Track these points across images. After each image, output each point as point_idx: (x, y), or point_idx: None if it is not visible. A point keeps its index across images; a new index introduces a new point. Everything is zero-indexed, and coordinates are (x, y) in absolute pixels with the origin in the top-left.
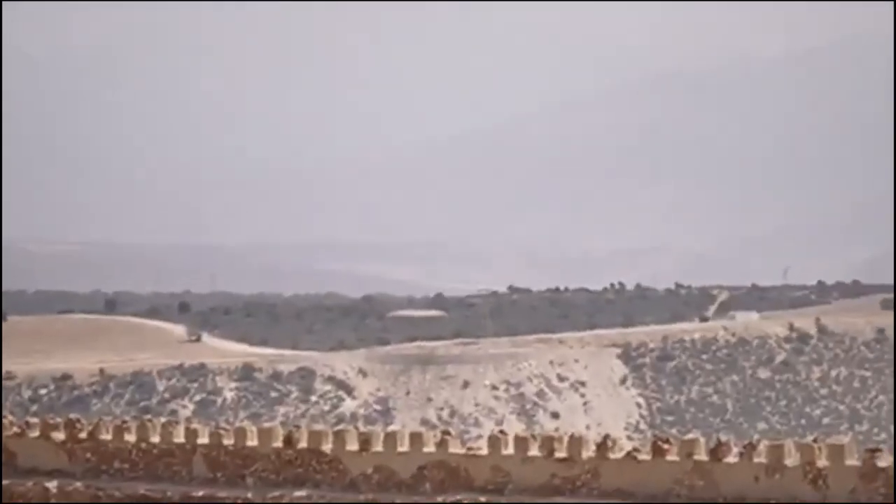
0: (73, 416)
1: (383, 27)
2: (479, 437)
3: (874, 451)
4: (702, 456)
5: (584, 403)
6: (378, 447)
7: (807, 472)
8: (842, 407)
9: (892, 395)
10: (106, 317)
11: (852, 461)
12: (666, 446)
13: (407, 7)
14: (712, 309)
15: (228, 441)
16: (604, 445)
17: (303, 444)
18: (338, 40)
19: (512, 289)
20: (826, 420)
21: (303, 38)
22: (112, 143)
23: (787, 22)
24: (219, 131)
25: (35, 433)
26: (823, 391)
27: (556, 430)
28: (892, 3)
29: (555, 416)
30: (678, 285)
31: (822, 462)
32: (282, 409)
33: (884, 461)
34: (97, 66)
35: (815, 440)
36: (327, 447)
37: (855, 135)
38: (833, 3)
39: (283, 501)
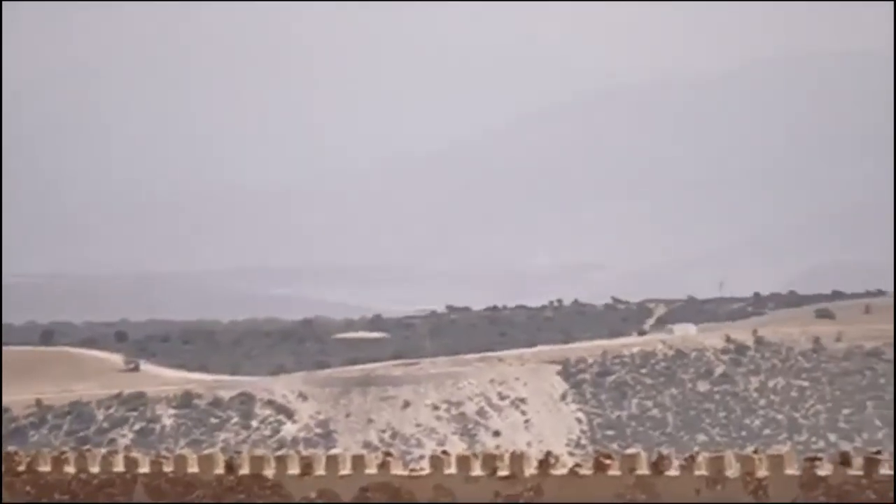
0: (10, 448)
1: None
2: (422, 457)
3: (814, 459)
4: (643, 470)
5: (526, 421)
6: (320, 471)
7: (747, 483)
8: (780, 417)
9: (828, 405)
10: (42, 348)
11: (792, 471)
12: (608, 461)
13: (335, 39)
14: (650, 323)
15: (169, 469)
16: (546, 462)
17: (244, 470)
18: (280, 63)
19: (450, 308)
20: (766, 431)
21: (245, 60)
22: (42, 172)
23: (725, 36)
24: (154, 158)
25: None
26: (762, 402)
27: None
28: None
29: (496, 434)
30: (616, 300)
31: (762, 472)
32: (222, 436)
33: (824, 469)
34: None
35: (755, 451)
36: (269, 472)
37: (791, 147)
38: (777, 14)
39: None
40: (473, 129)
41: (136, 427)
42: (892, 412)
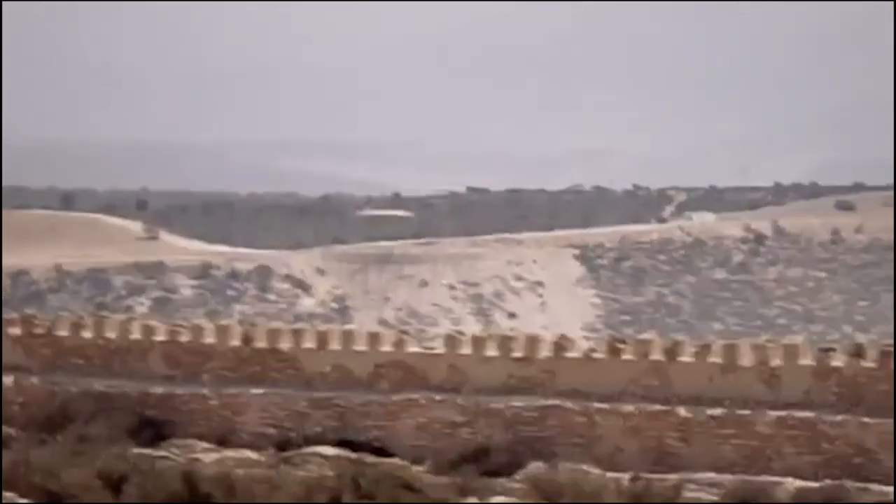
0: (29, 311)
1: None
2: (437, 336)
3: (827, 350)
4: (657, 356)
5: (542, 304)
6: (335, 346)
7: (761, 372)
8: (796, 307)
9: (845, 296)
10: (62, 213)
11: (806, 361)
12: (622, 346)
13: None
14: (669, 210)
15: (185, 338)
16: (560, 345)
17: (260, 343)
18: None
19: (470, 189)
20: (781, 320)
21: None
22: (65, 36)
23: None
24: (175, 28)
25: None
26: (779, 292)
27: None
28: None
29: (512, 316)
30: (636, 187)
31: (776, 362)
32: (239, 308)
33: (837, 360)
34: None
35: (769, 340)
36: (284, 345)
37: (814, 40)
38: None
39: (240, 399)
40: (486, 11)
41: (154, 295)
42: None
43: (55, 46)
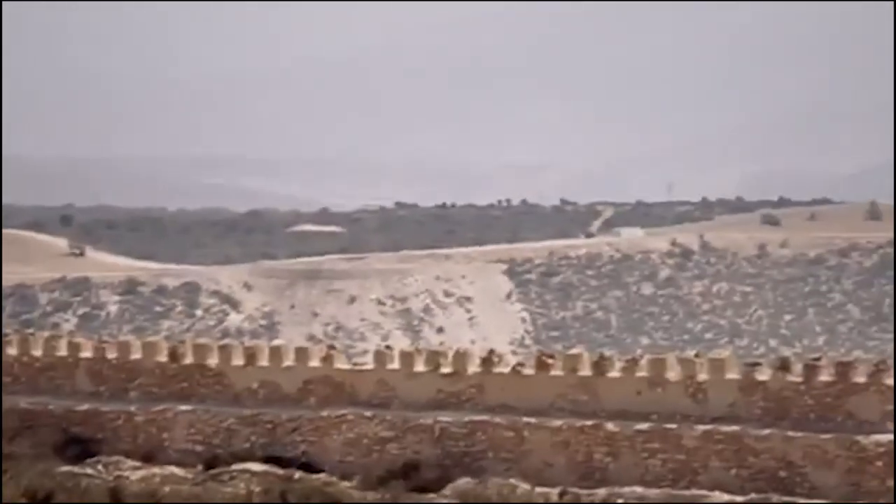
0: None
1: None
2: (365, 352)
3: (753, 365)
4: (585, 371)
5: (470, 319)
6: (263, 362)
7: (688, 386)
8: (723, 322)
9: (771, 311)
10: None
11: (732, 375)
12: (550, 361)
13: None
14: (597, 225)
15: (112, 355)
16: (489, 360)
17: (188, 359)
18: None
19: (399, 204)
20: (708, 335)
21: None
22: None
23: None
24: (104, 43)
25: None
26: (705, 306)
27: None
28: (892, 3)
29: (440, 331)
30: (564, 202)
31: (702, 376)
32: (166, 324)
33: (763, 375)
34: None
35: (696, 354)
36: (212, 361)
37: (737, 52)
38: None
39: (168, 416)
40: (417, 25)
41: (80, 312)
42: (832, 319)
43: None
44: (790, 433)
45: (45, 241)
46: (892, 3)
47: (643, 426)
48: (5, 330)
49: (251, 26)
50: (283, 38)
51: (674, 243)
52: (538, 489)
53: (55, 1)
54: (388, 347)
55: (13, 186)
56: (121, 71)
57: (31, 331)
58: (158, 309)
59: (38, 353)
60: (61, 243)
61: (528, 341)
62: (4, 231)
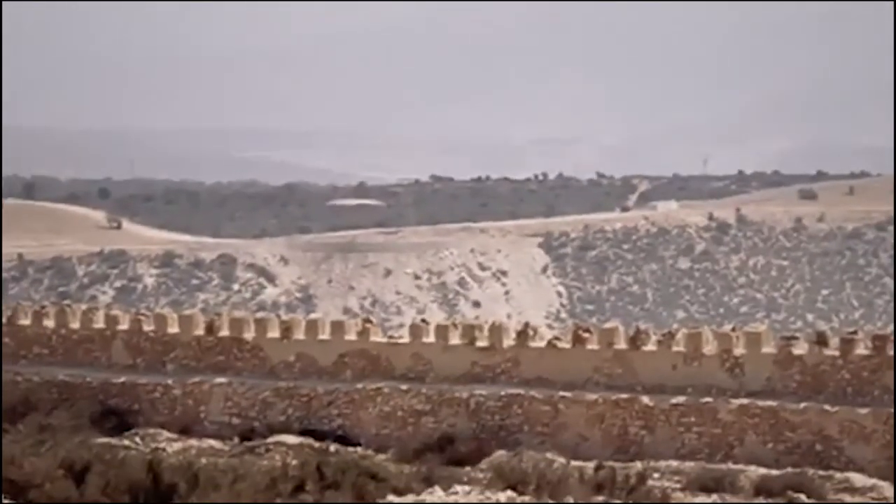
0: None
1: None
2: (401, 325)
3: (790, 339)
4: (621, 344)
5: (506, 292)
6: (300, 335)
7: (724, 360)
8: (759, 295)
9: (808, 285)
10: (24, 202)
11: (768, 349)
12: (586, 335)
13: None
14: (633, 199)
15: (149, 327)
16: (524, 334)
17: (224, 332)
18: None
19: (434, 178)
20: (744, 309)
21: None
22: (26, 25)
23: None
24: (134, 17)
25: None
26: (741, 280)
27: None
28: (892, 2)
29: (476, 304)
30: (599, 175)
31: (738, 350)
32: (203, 297)
33: (799, 349)
34: None
35: (732, 328)
36: (249, 335)
37: (773, 24)
38: None
39: (204, 388)
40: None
41: (117, 284)
42: (869, 293)
43: (15, 36)
44: (827, 407)
45: (82, 213)
46: (892, 2)
47: (679, 400)
48: (43, 302)
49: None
50: (314, 12)
51: (710, 217)
52: (574, 463)
53: None
54: (423, 321)
55: (50, 159)
56: (156, 44)
57: (68, 302)
58: (195, 282)
59: (75, 325)
60: (99, 216)
61: (563, 315)
62: (42, 204)
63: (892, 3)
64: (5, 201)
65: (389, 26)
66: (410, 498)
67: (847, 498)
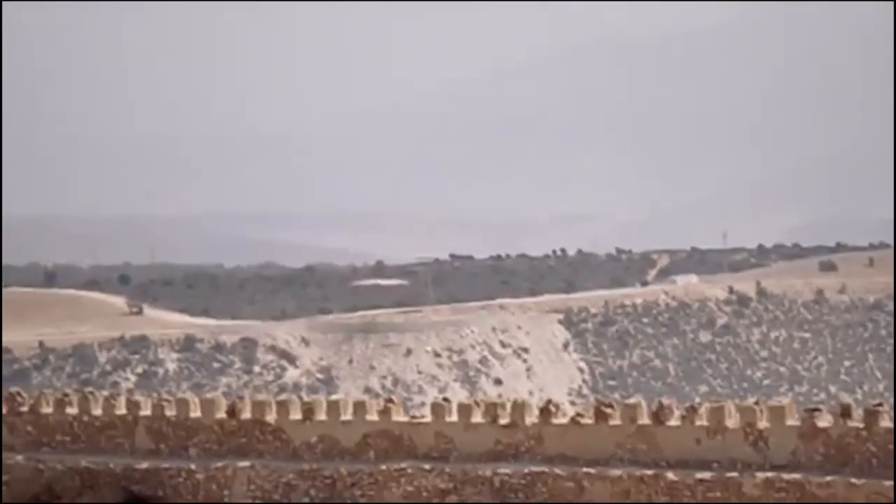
0: (13, 389)
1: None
2: (423, 404)
3: (813, 411)
4: (644, 420)
5: (527, 369)
6: (321, 416)
7: (748, 434)
8: (782, 368)
9: (830, 357)
10: (45, 290)
11: (792, 422)
12: (609, 411)
13: None
14: (653, 273)
15: (171, 412)
16: (547, 411)
17: (246, 415)
18: (267, 13)
19: (453, 256)
20: (767, 382)
21: (231, 8)
22: (44, 113)
23: None
24: (152, 104)
25: None
26: (764, 353)
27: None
28: (892, 3)
29: (498, 382)
30: (619, 250)
31: (762, 423)
32: (224, 380)
33: (823, 421)
34: (29, 40)
35: (755, 402)
36: (271, 417)
37: (791, 98)
38: None
39: (227, 472)
40: (464, 77)
41: (139, 370)
42: (892, 364)
43: (31, 123)
44: (853, 480)
45: (103, 300)
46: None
47: (704, 475)
48: (65, 390)
49: (295, 83)
50: (326, 93)
51: (731, 290)
52: None
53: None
54: (445, 399)
55: (70, 247)
56: (173, 130)
57: (90, 389)
58: (216, 365)
59: (97, 411)
60: (119, 302)
61: (585, 391)
62: (63, 291)
63: None
64: (27, 289)
65: (407, 105)
66: None
67: None
